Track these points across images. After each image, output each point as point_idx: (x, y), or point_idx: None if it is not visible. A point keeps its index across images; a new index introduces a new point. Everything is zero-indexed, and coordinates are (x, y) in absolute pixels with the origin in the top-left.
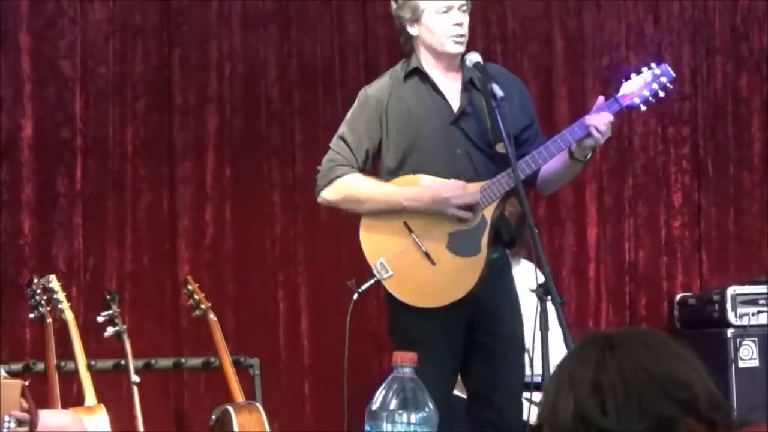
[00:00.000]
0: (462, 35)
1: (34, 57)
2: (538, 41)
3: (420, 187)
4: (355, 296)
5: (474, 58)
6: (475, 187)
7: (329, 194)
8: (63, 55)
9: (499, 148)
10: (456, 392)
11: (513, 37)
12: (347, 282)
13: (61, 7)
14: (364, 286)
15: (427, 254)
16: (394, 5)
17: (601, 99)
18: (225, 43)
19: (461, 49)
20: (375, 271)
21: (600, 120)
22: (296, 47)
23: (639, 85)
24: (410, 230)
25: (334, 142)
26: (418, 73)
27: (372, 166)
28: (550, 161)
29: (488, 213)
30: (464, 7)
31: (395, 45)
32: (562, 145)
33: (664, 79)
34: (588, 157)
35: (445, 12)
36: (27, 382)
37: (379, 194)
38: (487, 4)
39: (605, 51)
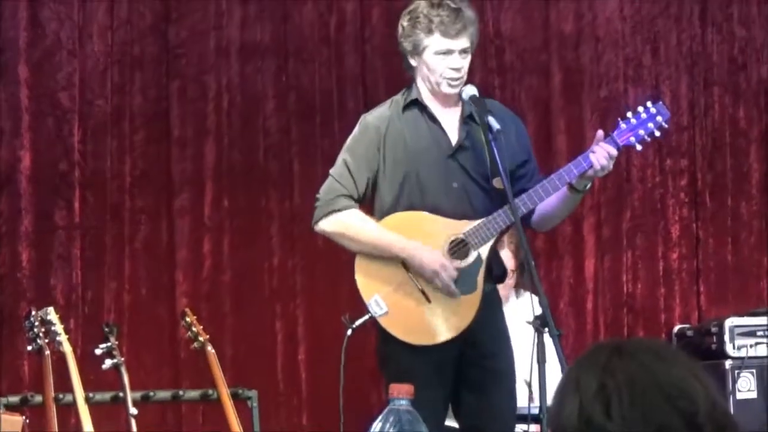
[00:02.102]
0: (458, 79)
1: (32, 89)
2: (535, 74)
3: (417, 247)
4: (349, 332)
5: (470, 91)
6: (469, 225)
7: (327, 226)
8: (61, 88)
9: (496, 183)
10: (447, 422)
11: (511, 69)
12: (341, 317)
13: (59, 40)
14: (358, 322)
15: (422, 291)
16: (400, 30)
17: (600, 133)
18: (223, 76)
19: (455, 91)
20: (369, 308)
21: (604, 148)
22: (294, 79)
23: (635, 125)
24: (406, 267)
25: (335, 169)
26: (417, 104)
27: (371, 195)
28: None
29: (484, 251)
30: (466, 51)
31: (394, 78)
32: (567, 177)
33: (660, 118)
34: (587, 188)
35: (445, 54)
36: (26, 419)
37: (375, 241)
38: (485, 36)
39: (603, 83)
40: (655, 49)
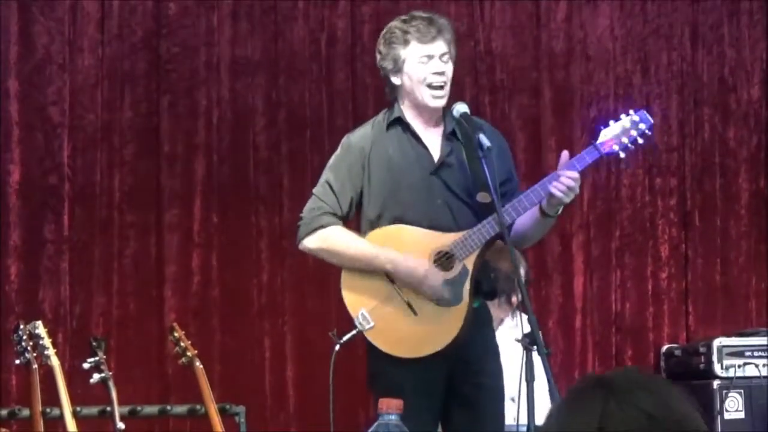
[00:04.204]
0: (442, 85)
1: (23, 103)
2: (526, 92)
3: (402, 257)
4: (337, 347)
5: (461, 108)
6: (454, 237)
7: (311, 243)
8: (51, 102)
9: (480, 198)
10: None
11: (501, 87)
12: (329, 333)
13: (49, 54)
14: (346, 337)
15: (408, 304)
16: (378, 56)
17: (565, 153)
18: (213, 91)
19: (440, 103)
20: (356, 322)
21: (566, 183)
22: (284, 95)
23: (617, 132)
24: (392, 280)
25: (318, 189)
26: (401, 122)
27: (354, 214)
28: (522, 217)
29: (469, 262)
30: (446, 57)
31: (383, 94)
32: (535, 199)
33: (642, 126)
34: (558, 212)
35: (425, 61)
36: None
37: (360, 254)
38: (476, 54)
39: (593, 102)
40: (645, 69)
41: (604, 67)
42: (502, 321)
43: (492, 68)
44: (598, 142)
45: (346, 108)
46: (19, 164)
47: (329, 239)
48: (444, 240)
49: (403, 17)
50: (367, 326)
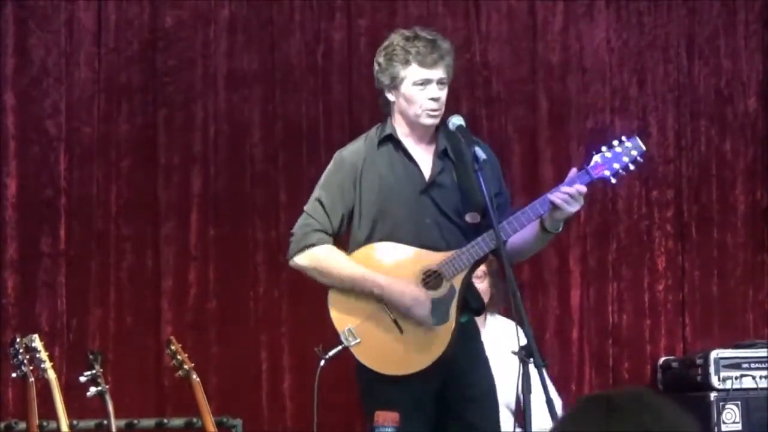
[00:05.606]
0: (436, 110)
1: (19, 116)
2: (522, 104)
3: (390, 281)
4: (322, 362)
5: (457, 121)
6: (443, 256)
7: (301, 261)
8: (48, 115)
9: (469, 218)
10: None
11: (498, 99)
12: (314, 348)
13: (46, 67)
14: (331, 353)
15: (395, 322)
16: (376, 68)
17: (573, 171)
18: (210, 104)
19: (435, 122)
20: (343, 338)
21: (567, 191)
22: (281, 108)
23: (609, 158)
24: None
25: (309, 206)
26: (392, 140)
27: (346, 230)
28: (521, 231)
29: (457, 282)
30: (443, 81)
31: (379, 107)
32: (533, 215)
33: (634, 153)
34: (560, 229)
35: (423, 85)
36: None
37: (348, 276)
38: (472, 66)
39: (590, 114)
40: (641, 81)
41: (600, 79)
42: (484, 323)
43: (488, 80)
44: (589, 166)
45: (343, 120)
46: (15, 177)
47: (319, 259)
48: (432, 259)
49: (407, 34)
50: (352, 342)
